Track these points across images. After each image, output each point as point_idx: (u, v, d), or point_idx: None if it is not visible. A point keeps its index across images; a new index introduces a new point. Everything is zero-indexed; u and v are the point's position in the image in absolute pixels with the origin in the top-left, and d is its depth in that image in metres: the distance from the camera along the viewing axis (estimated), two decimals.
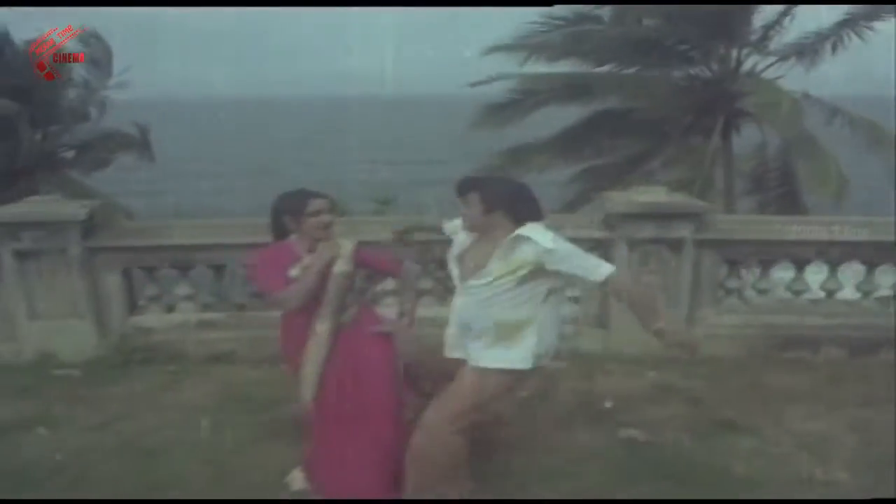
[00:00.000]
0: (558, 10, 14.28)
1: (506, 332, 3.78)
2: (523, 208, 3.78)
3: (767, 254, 6.72)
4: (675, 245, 6.44)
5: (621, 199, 6.68)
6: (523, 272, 3.68)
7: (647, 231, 6.45)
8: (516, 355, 3.81)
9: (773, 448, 5.06)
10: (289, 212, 4.11)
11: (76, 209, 6.38)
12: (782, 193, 14.68)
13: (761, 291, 6.87)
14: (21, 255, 6.31)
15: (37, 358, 6.47)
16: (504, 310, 3.76)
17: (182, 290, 6.82)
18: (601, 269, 3.68)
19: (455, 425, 3.81)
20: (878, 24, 13.94)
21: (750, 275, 7.19)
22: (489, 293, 3.75)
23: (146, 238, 6.60)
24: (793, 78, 14.14)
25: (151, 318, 6.76)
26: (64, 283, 6.40)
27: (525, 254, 3.66)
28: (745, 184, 15.04)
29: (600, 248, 6.60)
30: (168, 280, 6.91)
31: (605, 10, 14.25)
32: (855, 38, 13.96)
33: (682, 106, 14.96)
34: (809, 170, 13.54)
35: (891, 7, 13.69)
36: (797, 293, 6.82)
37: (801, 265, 6.78)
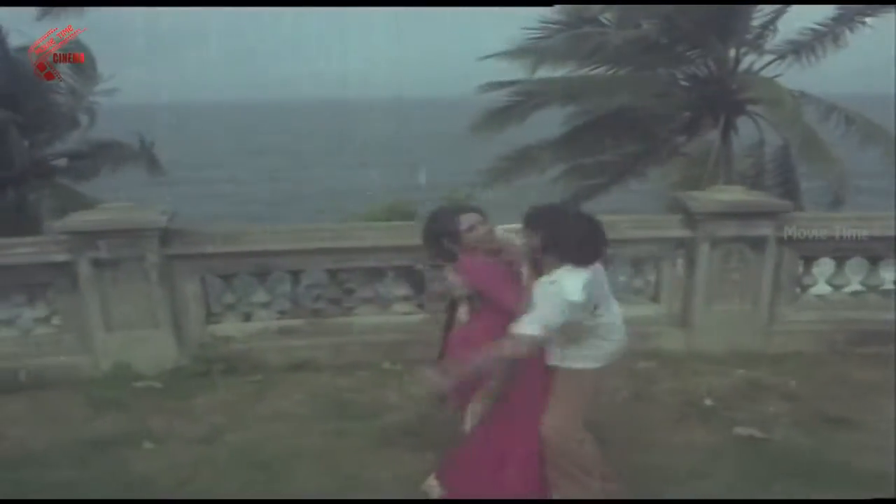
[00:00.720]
0: (557, 13, 14.31)
1: (573, 336, 3.93)
2: (574, 256, 3.77)
3: (842, 250, 6.75)
4: (757, 243, 6.47)
5: (704, 198, 6.71)
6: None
7: (730, 229, 6.47)
8: (586, 354, 4.00)
9: (886, 442, 5.08)
10: (445, 234, 4.02)
11: (156, 216, 6.20)
12: (781, 192, 14.85)
13: (836, 287, 6.91)
14: (98, 264, 6.11)
15: (114, 370, 6.26)
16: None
17: (259, 296, 6.67)
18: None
19: (572, 423, 4.08)
20: (872, 20, 14.14)
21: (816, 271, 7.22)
22: None
23: (224, 244, 6.43)
24: (789, 76, 14.32)
25: (230, 327, 6.60)
26: (141, 292, 6.21)
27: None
28: (743, 182, 15.20)
29: (683, 246, 6.62)
30: (241, 287, 6.77)
31: (606, 14, 14.30)
32: (851, 35, 14.15)
33: (681, 105, 15.08)
34: (812, 168, 13.72)
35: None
36: (872, 288, 6.88)
37: (874, 261, 6.83)
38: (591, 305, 3.88)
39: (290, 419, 5.57)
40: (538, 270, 3.89)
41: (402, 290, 6.87)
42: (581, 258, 3.79)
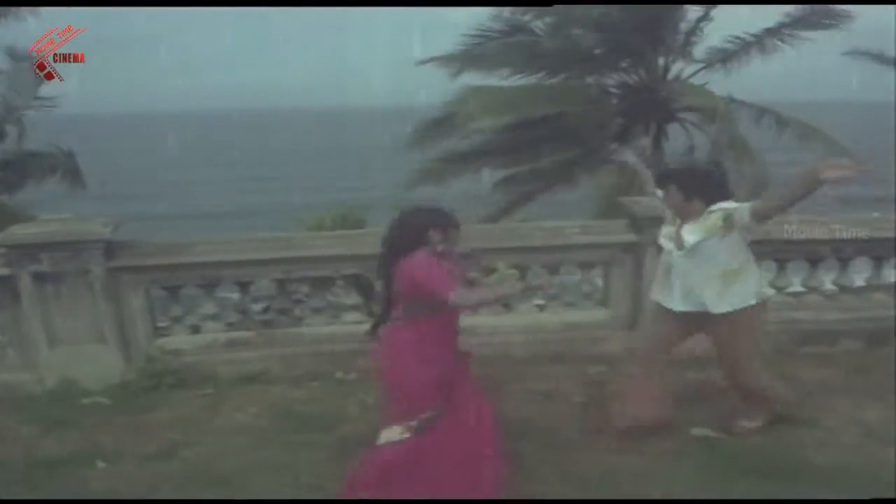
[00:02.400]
0: (492, 21, 14.44)
1: (730, 279, 4.75)
2: (714, 192, 4.76)
3: (783, 252, 6.91)
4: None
5: (648, 202, 6.79)
6: (717, 233, 4.65)
7: None
8: (749, 289, 4.81)
9: (841, 438, 5.25)
10: (437, 225, 4.09)
11: (99, 228, 6.04)
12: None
13: (779, 289, 7.08)
14: (40, 278, 5.95)
15: (59, 386, 6.10)
16: (721, 263, 4.73)
17: (207, 308, 6.56)
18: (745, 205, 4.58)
19: (750, 362, 5.07)
20: (803, 33, 14.58)
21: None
22: (701, 255, 4.73)
23: (170, 256, 6.31)
24: (719, 83, 14.69)
25: (178, 340, 6.47)
26: (86, 306, 6.07)
27: (714, 220, 4.66)
28: None
29: (631, 251, 6.71)
30: (188, 299, 6.65)
31: (538, 22, 14.46)
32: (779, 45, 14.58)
33: (613, 113, 15.33)
34: (738, 171, 14.07)
35: (818, 16, 14.36)
36: (812, 289, 7.07)
37: (814, 263, 7.02)
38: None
39: (246, 432, 5.48)
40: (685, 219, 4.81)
41: (352, 298, 6.83)
42: (723, 194, 4.76)
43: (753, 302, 4.83)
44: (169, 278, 6.39)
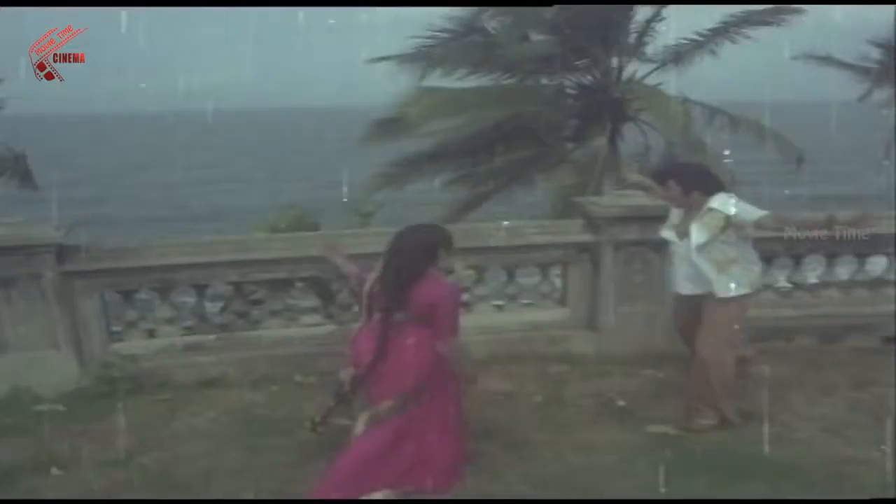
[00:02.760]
0: (447, 22, 14.41)
1: (728, 267, 5.15)
2: (710, 184, 5.28)
3: None
4: (659, 246, 6.62)
5: (605, 202, 6.86)
6: (718, 231, 5.11)
7: (632, 233, 6.65)
8: (741, 280, 5.20)
9: (796, 433, 5.34)
10: (445, 245, 4.45)
11: (51, 231, 5.94)
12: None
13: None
14: None
15: (12, 393, 5.95)
16: (716, 254, 5.16)
17: (163, 312, 6.47)
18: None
19: (722, 344, 5.29)
20: (751, 32, 14.79)
21: None
22: (702, 247, 5.17)
23: (125, 260, 6.23)
24: (673, 83, 14.83)
25: (134, 345, 6.38)
26: (38, 311, 5.96)
27: (717, 221, 5.10)
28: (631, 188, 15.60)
29: (587, 251, 6.75)
30: (144, 304, 6.56)
31: (493, 23, 14.47)
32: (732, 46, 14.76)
33: (569, 113, 15.41)
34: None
35: (764, 15, 14.57)
36: (766, 286, 7.16)
37: (768, 261, 7.11)
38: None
39: (205, 437, 5.41)
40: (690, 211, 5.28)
41: (310, 301, 6.79)
42: (718, 185, 5.29)
43: (746, 291, 5.25)
44: (123, 282, 6.31)
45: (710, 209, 5.15)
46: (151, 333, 6.55)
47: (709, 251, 5.18)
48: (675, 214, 5.48)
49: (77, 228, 6.39)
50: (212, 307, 6.77)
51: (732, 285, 5.17)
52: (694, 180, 5.33)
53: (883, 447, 4.91)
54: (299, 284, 6.79)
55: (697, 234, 5.19)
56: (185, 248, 6.42)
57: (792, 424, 5.47)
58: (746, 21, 14.55)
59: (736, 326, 5.33)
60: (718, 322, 5.29)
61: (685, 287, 5.48)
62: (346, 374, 4.61)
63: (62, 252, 5.99)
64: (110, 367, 6.12)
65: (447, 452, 4.47)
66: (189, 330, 6.60)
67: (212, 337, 6.51)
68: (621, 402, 5.88)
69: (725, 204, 5.12)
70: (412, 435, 4.37)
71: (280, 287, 6.71)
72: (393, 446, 4.34)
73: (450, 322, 4.34)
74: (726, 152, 13.76)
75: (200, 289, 6.57)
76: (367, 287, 4.55)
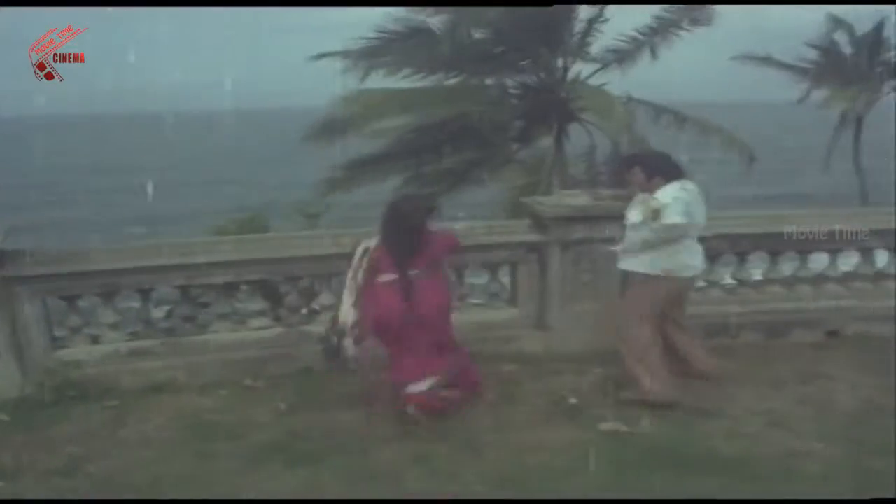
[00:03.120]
0: (391, 23, 14.40)
1: (649, 248, 5.65)
2: (671, 171, 5.72)
3: None
4: (605, 245, 6.67)
5: (552, 202, 6.89)
6: (649, 216, 5.54)
7: (579, 232, 6.67)
8: (657, 264, 5.64)
9: (745, 428, 5.40)
10: (433, 208, 5.76)
11: None
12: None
13: None
14: None
15: None
16: (646, 235, 5.62)
17: (107, 317, 6.35)
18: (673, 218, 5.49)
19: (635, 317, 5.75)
20: (685, 31, 15.06)
21: None
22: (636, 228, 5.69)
23: (67, 265, 6.09)
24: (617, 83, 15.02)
25: (78, 351, 6.23)
26: None
27: (652, 206, 5.54)
28: (578, 186, 15.74)
29: (535, 251, 6.77)
30: (86, 309, 6.43)
31: (436, 23, 14.48)
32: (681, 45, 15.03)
33: (515, 114, 15.49)
34: None
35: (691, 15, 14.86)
36: (713, 284, 7.26)
37: (713, 258, 7.20)
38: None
39: (154, 444, 5.31)
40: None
41: (258, 304, 6.72)
42: (678, 173, 5.72)
43: (657, 273, 5.67)
44: (66, 288, 6.16)
45: (654, 198, 5.59)
46: (96, 339, 6.42)
47: (639, 231, 5.67)
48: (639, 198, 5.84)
49: (18, 233, 6.23)
50: (158, 312, 6.65)
51: (648, 264, 5.68)
52: (656, 167, 5.78)
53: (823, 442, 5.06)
54: (246, 288, 6.72)
55: (633, 214, 5.74)
56: (129, 253, 6.31)
57: (741, 419, 5.53)
58: (680, 20, 14.81)
59: (652, 305, 5.76)
60: (633, 297, 5.83)
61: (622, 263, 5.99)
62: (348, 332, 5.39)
63: (2, 257, 5.83)
64: (54, 375, 5.98)
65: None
66: (135, 335, 6.48)
67: (158, 342, 6.39)
68: (573, 401, 5.89)
69: (667, 195, 5.54)
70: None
71: (227, 290, 6.62)
72: None
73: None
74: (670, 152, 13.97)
75: (145, 293, 6.45)
76: (364, 255, 5.43)
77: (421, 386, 5.43)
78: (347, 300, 5.41)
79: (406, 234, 5.38)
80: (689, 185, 5.66)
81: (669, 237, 5.58)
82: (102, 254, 6.26)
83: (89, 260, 6.17)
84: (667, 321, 5.90)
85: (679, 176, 5.70)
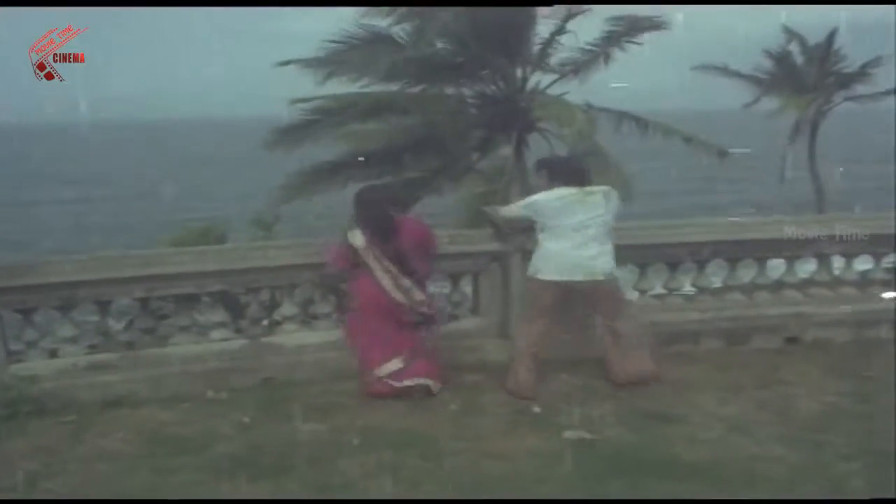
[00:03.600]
0: (354, 29, 14.37)
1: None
2: (570, 176, 6.12)
3: (644, 257, 7.12)
4: None
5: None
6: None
7: None
8: (531, 266, 6.17)
9: (706, 433, 5.43)
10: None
11: None
12: None
13: (642, 292, 7.30)
14: None
15: None
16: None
17: (65, 331, 6.24)
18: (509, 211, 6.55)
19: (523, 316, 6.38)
20: (640, 38, 15.25)
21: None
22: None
23: (23, 277, 5.98)
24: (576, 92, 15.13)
25: (34, 365, 6.10)
26: None
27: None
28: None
29: (497, 259, 6.78)
30: (44, 322, 6.32)
31: (398, 31, 14.51)
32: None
33: (474, 123, 15.53)
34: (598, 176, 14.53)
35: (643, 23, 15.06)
36: (672, 291, 7.31)
37: (673, 266, 7.26)
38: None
39: (113, 459, 5.20)
40: None
41: (219, 315, 6.65)
42: (573, 179, 6.09)
43: (529, 274, 6.20)
44: (22, 301, 6.04)
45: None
46: (53, 353, 6.30)
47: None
48: None
49: None
50: (116, 324, 6.56)
51: (528, 266, 6.20)
52: (558, 172, 6.23)
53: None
54: (206, 299, 6.65)
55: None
56: (87, 264, 6.19)
57: (702, 424, 5.57)
58: (632, 29, 15.00)
59: (532, 306, 6.25)
60: (526, 297, 6.40)
61: None
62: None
63: None
64: (9, 390, 5.85)
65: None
66: (93, 348, 6.37)
67: (117, 355, 6.29)
68: (537, 409, 5.90)
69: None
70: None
71: (188, 302, 6.55)
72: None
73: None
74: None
75: (104, 305, 6.35)
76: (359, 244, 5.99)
77: (391, 366, 6.02)
78: None
79: (374, 221, 6.02)
80: (573, 191, 6.00)
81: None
82: (59, 265, 6.14)
83: (46, 272, 6.06)
84: (603, 328, 6.37)
85: (578, 181, 6.08)
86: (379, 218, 6.08)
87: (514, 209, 6.45)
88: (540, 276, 6.07)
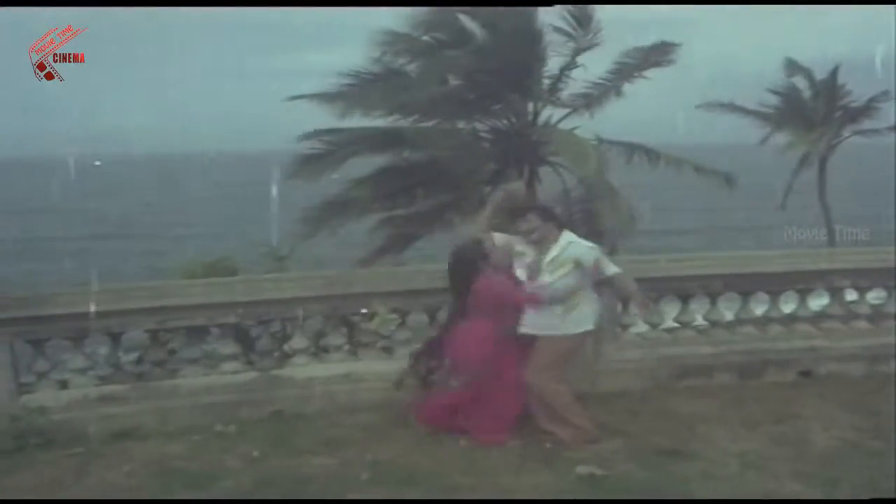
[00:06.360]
0: (370, 65, 14.49)
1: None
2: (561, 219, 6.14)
3: (656, 290, 7.07)
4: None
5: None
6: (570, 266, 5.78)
7: None
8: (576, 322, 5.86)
9: (720, 469, 5.38)
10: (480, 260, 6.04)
11: None
12: (585, 234, 15.57)
13: (653, 325, 7.25)
14: None
15: None
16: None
17: (76, 362, 6.22)
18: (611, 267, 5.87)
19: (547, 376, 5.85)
20: (649, 73, 15.32)
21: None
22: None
23: (35, 308, 5.99)
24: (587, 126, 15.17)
25: (44, 396, 6.09)
26: None
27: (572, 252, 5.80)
28: None
29: None
30: (54, 353, 6.31)
31: (412, 67, 14.64)
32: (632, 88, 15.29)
33: (486, 157, 15.56)
34: (607, 209, 14.55)
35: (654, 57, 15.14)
36: (685, 325, 7.27)
37: (685, 299, 7.22)
38: None
39: (119, 492, 5.19)
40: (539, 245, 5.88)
41: (229, 348, 6.63)
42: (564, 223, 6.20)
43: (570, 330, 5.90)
44: (33, 331, 6.06)
45: (569, 241, 5.95)
46: (63, 384, 6.28)
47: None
48: (523, 250, 6.07)
49: None
50: (127, 357, 6.54)
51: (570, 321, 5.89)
52: (549, 215, 6.07)
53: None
54: (217, 331, 6.64)
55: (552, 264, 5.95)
56: (98, 296, 6.18)
57: (716, 460, 5.51)
58: (642, 63, 15.09)
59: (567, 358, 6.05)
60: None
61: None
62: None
63: None
64: (19, 421, 5.83)
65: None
66: (103, 380, 6.35)
67: (127, 387, 6.27)
68: (548, 444, 5.84)
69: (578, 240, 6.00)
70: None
71: (198, 334, 6.54)
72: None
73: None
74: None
75: (115, 337, 6.34)
76: None
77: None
78: None
79: (457, 279, 6.08)
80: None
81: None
82: (71, 297, 6.15)
83: (58, 303, 6.07)
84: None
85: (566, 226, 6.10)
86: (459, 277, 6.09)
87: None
88: (583, 329, 5.93)
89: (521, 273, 5.93)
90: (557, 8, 14.19)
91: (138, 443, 5.93)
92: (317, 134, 14.60)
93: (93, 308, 6.06)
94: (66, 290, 6.32)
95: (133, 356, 6.55)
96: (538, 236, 5.87)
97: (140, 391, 6.29)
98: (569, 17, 14.36)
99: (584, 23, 14.42)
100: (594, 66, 15.45)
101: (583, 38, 14.45)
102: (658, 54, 15.01)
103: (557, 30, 14.41)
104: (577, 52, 14.48)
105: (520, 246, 6.01)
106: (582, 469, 5.39)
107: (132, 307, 6.20)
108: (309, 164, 14.73)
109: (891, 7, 14.52)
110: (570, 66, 14.69)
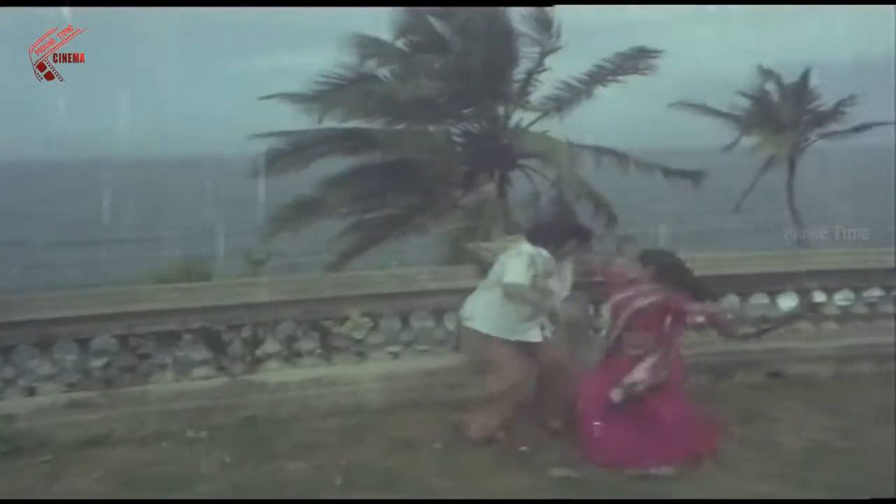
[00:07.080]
0: (343, 69, 14.52)
1: None
2: (541, 238, 6.04)
3: None
4: None
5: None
6: None
7: None
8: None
9: (692, 468, 5.39)
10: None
11: None
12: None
13: None
14: None
15: None
16: None
17: (44, 369, 6.14)
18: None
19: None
20: (624, 78, 15.45)
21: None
22: None
23: (3, 314, 5.91)
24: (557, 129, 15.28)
25: (11, 404, 5.99)
26: None
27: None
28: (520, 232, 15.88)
29: None
30: (21, 359, 6.22)
31: (385, 70, 14.71)
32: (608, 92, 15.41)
33: (458, 160, 15.62)
34: (586, 210, 14.66)
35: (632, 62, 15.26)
36: None
37: None
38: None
39: (90, 500, 5.12)
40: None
41: (201, 353, 6.57)
42: (543, 239, 6.01)
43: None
44: (0, 338, 5.97)
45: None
46: (31, 391, 6.20)
47: None
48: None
49: None
50: (96, 362, 6.47)
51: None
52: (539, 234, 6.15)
53: None
54: (188, 336, 6.58)
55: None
56: (67, 301, 6.14)
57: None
58: (620, 68, 15.21)
59: None
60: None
61: None
62: None
63: None
64: None
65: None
66: (72, 386, 6.27)
67: (96, 393, 6.20)
68: (524, 447, 5.84)
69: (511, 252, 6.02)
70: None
71: (169, 339, 6.48)
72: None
73: None
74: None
75: (84, 343, 6.27)
76: None
77: None
78: None
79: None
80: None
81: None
82: (39, 301, 6.08)
83: (25, 308, 6.00)
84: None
85: (547, 243, 6.00)
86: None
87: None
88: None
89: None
90: (521, 11, 14.34)
91: (108, 450, 5.85)
92: (286, 134, 14.62)
93: (60, 313, 6.00)
94: (34, 295, 6.23)
95: (102, 362, 6.46)
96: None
97: (109, 397, 6.21)
98: (531, 19, 14.48)
99: (545, 25, 14.53)
100: (566, 69, 15.57)
101: (547, 41, 14.55)
102: (637, 60, 15.12)
103: (522, 34, 14.54)
104: (543, 55, 14.60)
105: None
106: (558, 471, 5.41)
107: (101, 312, 6.12)
108: (276, 163, 14.75)
109: (853, 9, 14.68)
110: (538, 69, 14.79)
